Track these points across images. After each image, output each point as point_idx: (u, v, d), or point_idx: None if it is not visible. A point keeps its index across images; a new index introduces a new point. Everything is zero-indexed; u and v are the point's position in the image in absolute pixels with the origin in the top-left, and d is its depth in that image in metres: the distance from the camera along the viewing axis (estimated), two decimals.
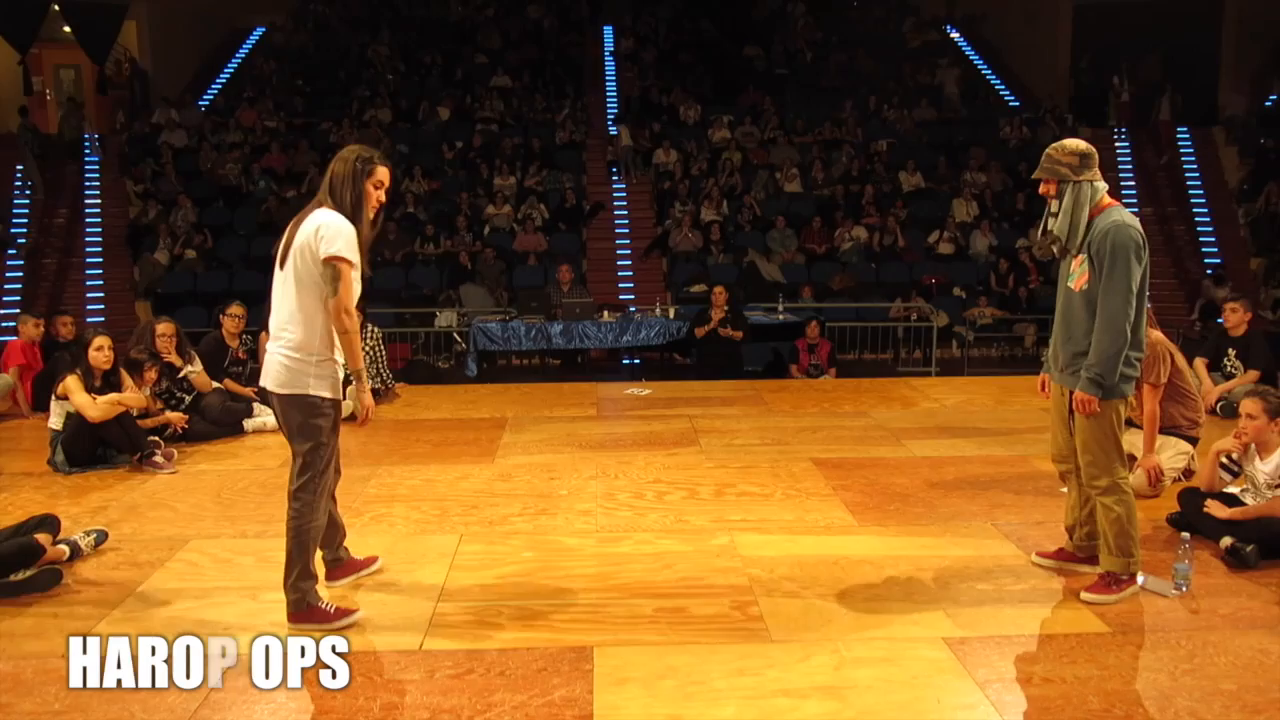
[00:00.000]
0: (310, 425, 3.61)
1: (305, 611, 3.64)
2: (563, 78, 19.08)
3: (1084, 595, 3.98)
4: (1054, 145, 3.98)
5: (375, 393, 7.92)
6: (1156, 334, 5.14)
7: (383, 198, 3.70)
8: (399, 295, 13.75)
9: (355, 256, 3.56)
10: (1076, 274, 3.93)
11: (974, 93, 19.48)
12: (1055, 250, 4.03)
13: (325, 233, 3.51)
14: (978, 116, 18.33)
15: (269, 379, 3.63)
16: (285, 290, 3.61)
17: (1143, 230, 3.87)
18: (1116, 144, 17.59)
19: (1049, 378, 4.25)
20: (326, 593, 3.91)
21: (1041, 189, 3.98)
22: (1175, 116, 17.35)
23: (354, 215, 3.59)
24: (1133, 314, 3.81)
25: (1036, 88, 19.59)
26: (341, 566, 4.15)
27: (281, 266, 3.63)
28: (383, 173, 3.68)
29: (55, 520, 4.48)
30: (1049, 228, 3.98)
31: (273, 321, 3.67)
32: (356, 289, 3.62)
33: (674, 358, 11.49)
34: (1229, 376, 7.42)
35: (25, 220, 16.00)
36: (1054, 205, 3.94)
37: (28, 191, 16.24)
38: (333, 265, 3.51)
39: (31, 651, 3.56)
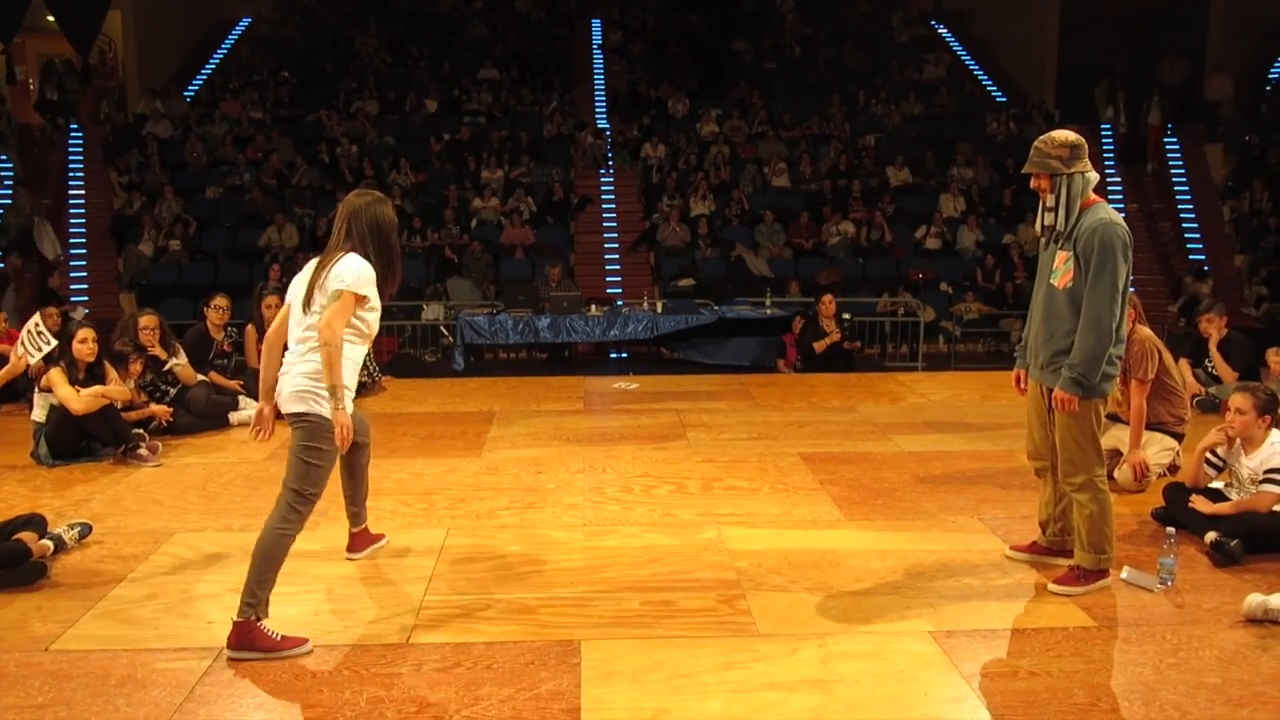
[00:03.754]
0: (309, 448, 3.53)
1: (248, 634, 3.41)
2: (550, 71, 19.02)
3: (1051, 586, 4.01)
4: (1042, 138, 3.91)
5: (362, 386, 7.86)
6: (1145, 330, 5.17)
7: None
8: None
9: (369, 292, 3.58)
10: (1060, 271, 3.89)
11: (961, 88, 19.52)
12: (1043, 241, 4.01)
13: (341, 270, 3.55)
14: (965, 112, 18.37)
15: (282, 401, 3.61)
16: (309, 328, 3.59)
17: (1127, 227, 3.86)
18: (1103, 139, 17.64)
19: (1024, 373, 4.24)
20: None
21: (1033, 184, 3.92)
22: (1163, 122, 17.40)
23: (389, 266, 3.70)
24: (1118, 313, 3.81)
25: (1023, 83, 19.64)
26: (360, 537, 4.36)
27: (305, 309, 3.60)
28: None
29: (41, 520, 4.45)
30: (1048, 223, 3.91)
31: (293, 349, 3.65)
32: (369, 325, 3.65)
33: (660, 351, 11.49)
34: (1212, 376, 7.47)
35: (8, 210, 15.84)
36: (1049, 200, 3.88)
37: (8, 182, 16.09)
38: (338, 294, 3.52)
39: (15, 645, 3.53)
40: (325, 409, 3.51)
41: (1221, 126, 17.43)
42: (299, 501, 3.52)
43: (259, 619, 3.44)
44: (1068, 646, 3.53)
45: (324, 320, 3.50)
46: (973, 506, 5.08)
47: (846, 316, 10.27)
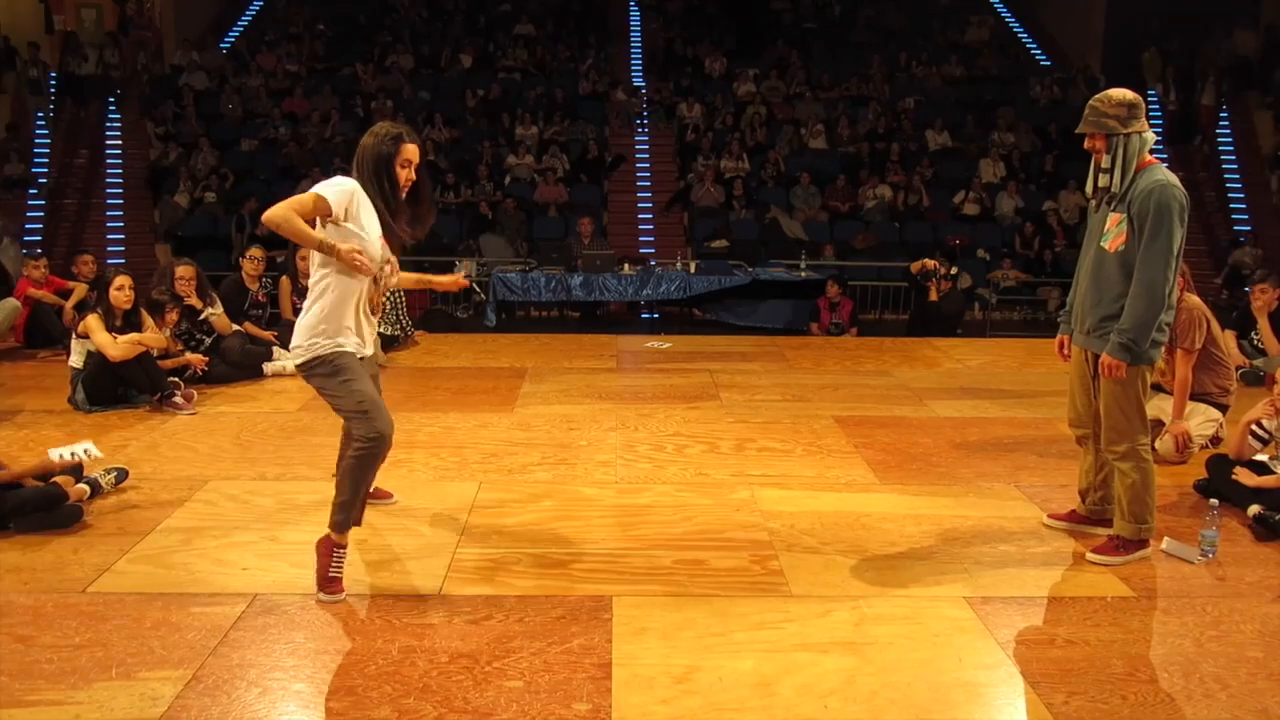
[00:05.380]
0: (332, 384, 3.53)
1: (323, 547, 3.55)
2: (587, 28, 18.83)
3: (1090, 555, 3.95)
4: (1098, 96, 3.79)
5: (395, 339, 7.91)
6: (1194, 299, 5.05)
7: (411, 175, 3.62)
8: (418, 243, 13.64)
9: (334, 204, 3.40)
10: (1112, 234, 3.78)
11: (1004, 50, 19.12)
12: (1094, 203, 3.91)
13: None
14: (1007, 75, 18.00)
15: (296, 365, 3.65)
16: (315, 282, 3.55)
17: (1185, 190, 3.75)
18: (1150, 106, 17.24)
19: (1068, 339, 4.15)
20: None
21: (1087, 144, 3.80)
22: (1217, 100, 16.94)
23: (384, 194, 3.54)
24: (1171, 279, 3.71)
25: (1069, 46, 19.21)
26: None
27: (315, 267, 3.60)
28: (410, 150, 3.57)
29: (78, 464, 4.48)
30: (1102, 185, 3.80)
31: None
32: (364, 254, 3.46)
33: (692, 312, 11.42)
34: (1257, 348, 7.32)
35: (46, 160, 15.98)
36: (1104, 160, 3.76)
37: (41, 131, 16.18)
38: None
39: (52, 586, 3.57)
40: (318, 350, 3.50)
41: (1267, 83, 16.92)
42: (359, 419, 3.53)
43: (338, 540, 3.54)
44: (1106, 616, 3.48)
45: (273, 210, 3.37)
46: (1009, 474, 5.01)
47: (953, 271, 10.01)
